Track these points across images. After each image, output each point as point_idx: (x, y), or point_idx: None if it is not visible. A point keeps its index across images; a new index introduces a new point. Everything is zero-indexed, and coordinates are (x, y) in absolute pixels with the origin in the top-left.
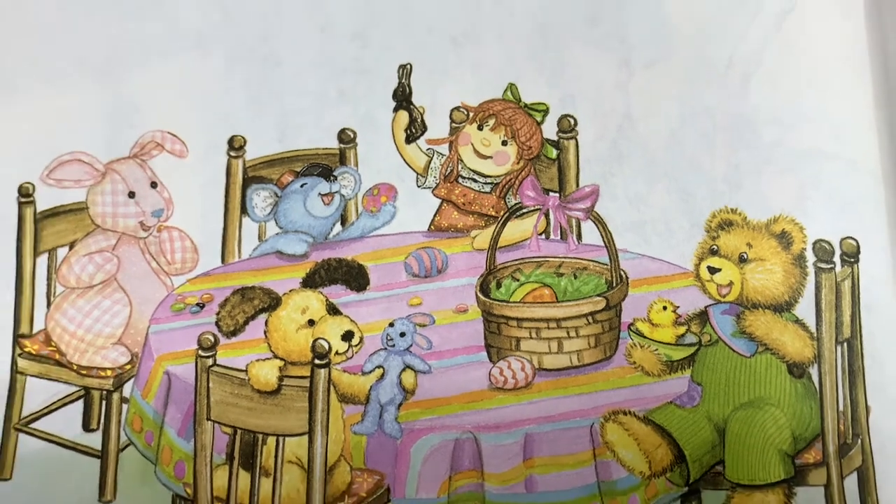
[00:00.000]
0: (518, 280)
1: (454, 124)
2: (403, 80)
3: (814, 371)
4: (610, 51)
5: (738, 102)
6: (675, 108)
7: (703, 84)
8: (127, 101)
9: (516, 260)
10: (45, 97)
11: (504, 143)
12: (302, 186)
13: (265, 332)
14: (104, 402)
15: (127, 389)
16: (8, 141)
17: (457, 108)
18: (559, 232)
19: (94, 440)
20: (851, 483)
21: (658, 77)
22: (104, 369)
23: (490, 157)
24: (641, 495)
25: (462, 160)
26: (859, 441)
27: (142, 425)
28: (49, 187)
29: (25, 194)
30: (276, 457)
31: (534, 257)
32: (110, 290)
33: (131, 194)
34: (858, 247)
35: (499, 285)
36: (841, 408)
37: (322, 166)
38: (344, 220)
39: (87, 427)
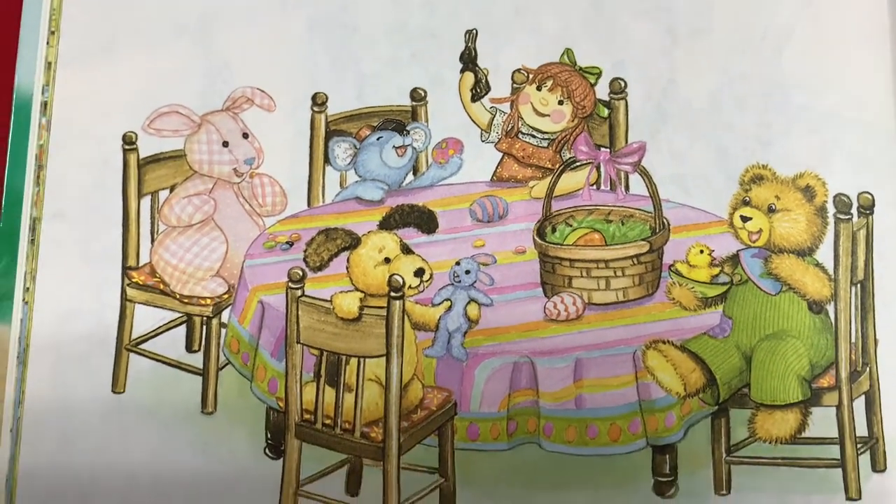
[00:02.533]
0: (571, 226)
1: (515, 85)
2: (470, 45)
3: (830, 308)
4: (657, 21)
5: (770, 69)
6: (714, 73)
7: (741, 53)
8: (219, 59)
9: (570, 208)
10: (145, 58)
11: (560, 102)
12: (378, 139)
13: (347, 268)
14: (204, 327)
15: (225, 316)
16: (112, 96)
17: (518, 71)
18: (609, 183)
19: (196, 360)
20: (860, 404)
21: (700, 45)
22: (204, 298)
23: (547, 115)
24: (677, 412)
25: (522, 117)
26: (868, 369)
27: (239, 347)
28: (150, 136)
29: (129, 142)
30: (357, 375)
31: (586, 205)
32: (208, 228)
33: (225, 143)
34: (873, 200)
35: (554, 230)
36: (853, 340)
37: (396, 122)
38: (415, 171)
39: (189, 348)
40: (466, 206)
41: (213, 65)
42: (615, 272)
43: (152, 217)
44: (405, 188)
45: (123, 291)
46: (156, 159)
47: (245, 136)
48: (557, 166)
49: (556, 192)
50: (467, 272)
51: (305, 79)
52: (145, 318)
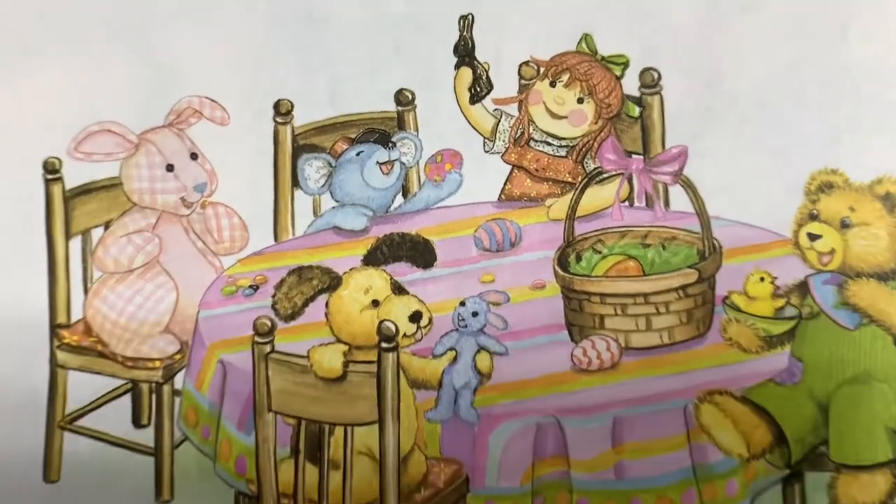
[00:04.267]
0: (600, 252)
1: (523, 81)
2: (465, 34)
3: None
4: None
5: (833, 55)
6: (766, 60)
7: (796, 36)
8: (160, 65)
9: (597, 230)
10: (69, 63)
11: (580, 100)
12: (358, 155)
13: (326, 315)
14: (154, 396)
15: (179, 381)
16: (30, 113)
17: (526, 63)
18: (644, 198)
19: (147, 436)
20: None
21: (749, 27)
22: (152, 360)
23: (565, 118)
24: (740, 479)
25: (533, 121)
26: None
27: (197, 419)
28: (78, 162)
29: (52, 170)
30: (345, 448)
31: (617, 227)
32: (153, 273)
33: (170, 167)
34: None
35: (579, 258)
36: None
37: (379, 132)
38: (405, 192)
39: (137, 423)
40: (470, 232)
41: (152, 71)
42: (657, 308)
43: (84, 262)
44: (394, 213)
45: (53, 356)
46: (86, 190)
47: (194, 156)
48: (580, 180)
49: (579, 212)
50: (475, 314)
51: (266, 84)
52: (81, 387)
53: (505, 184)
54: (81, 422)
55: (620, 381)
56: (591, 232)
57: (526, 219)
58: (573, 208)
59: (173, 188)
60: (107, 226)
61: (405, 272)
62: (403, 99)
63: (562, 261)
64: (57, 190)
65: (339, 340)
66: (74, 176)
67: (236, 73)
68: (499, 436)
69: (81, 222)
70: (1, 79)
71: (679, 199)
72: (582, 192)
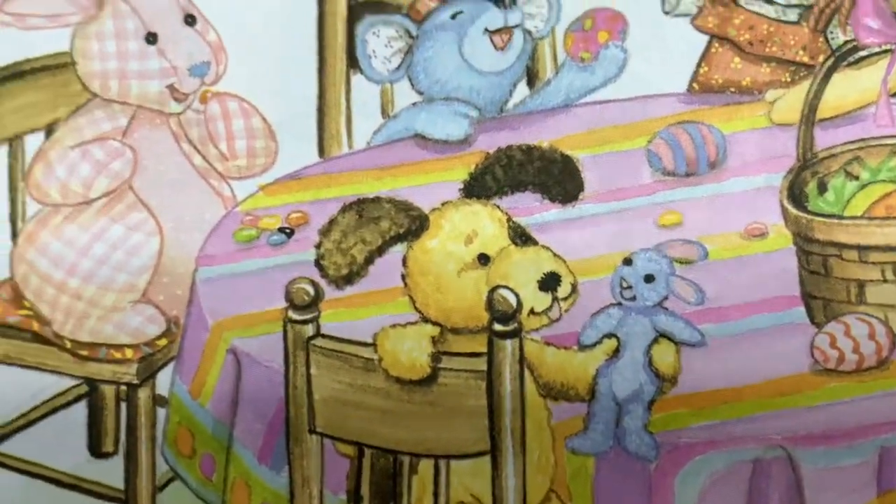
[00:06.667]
0: (857, 178)
1: None
2: None
3: None
4: None
5: None
6: None
7: None
8: None
9: (853, 142)
10: None
11: None
12: (454, 17)
13: (404, 278)
14: (124, 406)
15: (163, 384)
16: None
17: None
18: None
19: (112, 472)
20: None
21: None
22: (120, 347)
23: None
24: None
25: None
26: None
27: (193, 445)
28: (3, 28)
29: None
30: (436, 495)
31: (885, 137)
32: (122, 206)
33: (151, 37)
34: None
35: (823, 188)
36: None
37: None
38: (532, 77)
39: (96, 450)
40: (641, 144)
41: None
42: None
43: (12, 188)
44: (513, 112)
45: None
46: (16, 74)
47: (189, 20)
48: (821, 60)
49: (823, 112)
50: (649, 279)
51: None
52: (5, 390)
53: (699, 65)
54: (5, 447)
55: (891, 390)
56: (841, 144)
57: (733, 123)
58: (812, 106)
59: (157, 70)
60: (49, 130)
61: (532, 209)
62: None
63: (794, 192)
64: None
65: (424, 319)
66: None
67: None
68: (691, 478)
69: (8, 124)
70: None
71: None
72: (826, 79)
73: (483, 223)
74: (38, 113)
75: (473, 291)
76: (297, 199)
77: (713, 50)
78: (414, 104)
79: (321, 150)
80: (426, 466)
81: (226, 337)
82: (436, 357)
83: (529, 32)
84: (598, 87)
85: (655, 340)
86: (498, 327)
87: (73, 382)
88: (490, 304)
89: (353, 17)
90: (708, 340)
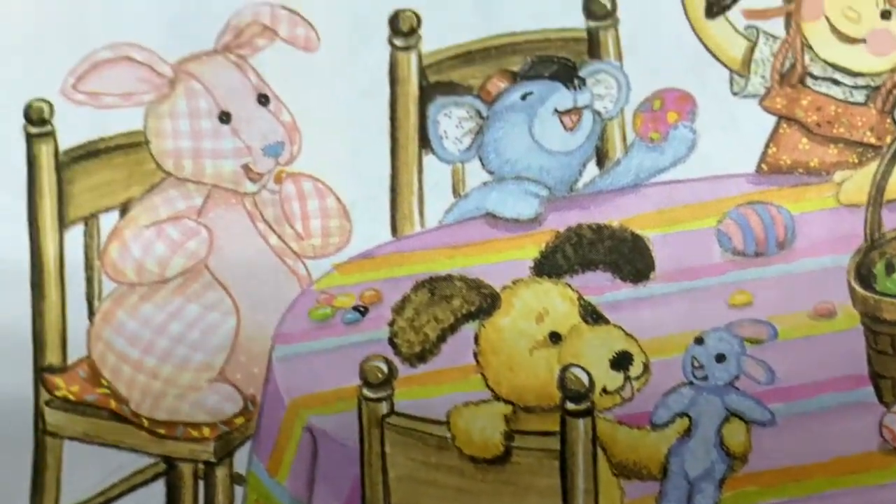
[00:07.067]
0: None
1: None
2: None
3: None
4: None
5: None
6: None
7: None
8: None
9: None
10: None
11: (886, 14)
12: (525, 99)
13: (476, 356)
14: (202, 484)
15: (241, 461)
16: (4, 28)
17: None
18: None
19: None
20: None
21: None
22: (198, 426)
23: (862, 41)
24: None
25: (811, 46)
26: None
27: None
28: (79, 107)
29: (39, 120)
30: None
31: None
32: (198, 286)
33: (224, 117)
34: None
35: (891, 268)
36: None
37: (558, 62)
38: (602, 157)
39: None
40: (711, 224)
41: None
42: None
43: (88, 266)
44: (582, 192)
45: (39, 416)
46: (91, 153)
47: (263, 100)
48: (889, 141)
49: (889, 194)
50: (720, 359)
51: None
52: (84, 469)
53: (767, 146)
54: None
55: None
56: None
57: (802, 203)
58: (879, 187)
59: (231, 150)
60: (124, 209)
61: (603, 288)
62: (598, 8)
63: (862, 272)
64: (46, 151)
65: (496, 397)
66: (73, 129)
67: None
68: None
69: (84, 203)
70: None
71: None
72: (893, 160)
73: (554, 301)
74: (113, 192)
75: (545, 370)
76: (371, 277)
77: (781, 131)
78: (485, 184)
79: (394, 230)
80: None
81: (302, 415)
82: (509, 436)
83: (599, 113)
84: (668, 167)
85: (726, 419)
86: (570, 406)
87: (151, 460)
88: (562, 382)
89: (424, 99)
90: (778, 419)
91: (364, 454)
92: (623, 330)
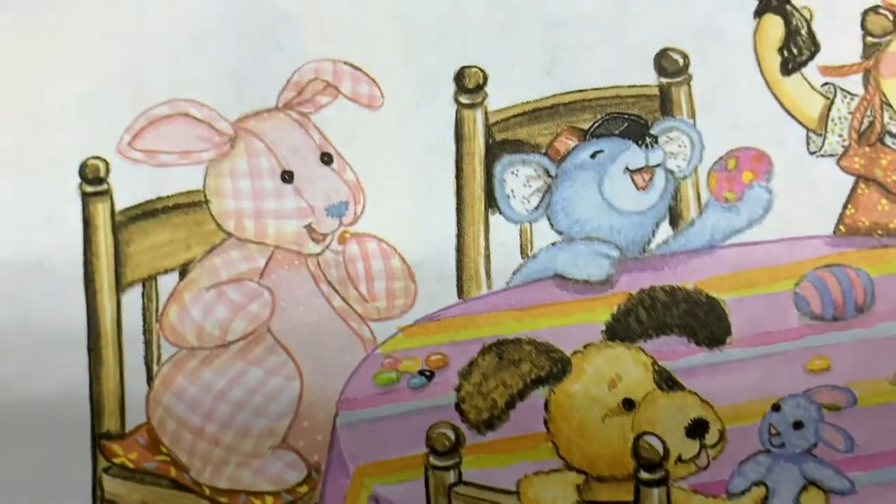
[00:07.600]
0: None
1: (871, 38)
2: None
3: None
4: None
5: None
6: None
7: None
8: (272, 11)
9: None
10: (117, 5)
11: None
12: (594, 157)
13: (546, 423)
14: None
15: None
16: (56, 85)
17: (874, 10)
18: None
19: None
20: None
21: None
22: (260, 494)
23: None
24: None
25: (890, 104)
26: None
27: None
28: (136, 165)
29: (95, 179)
30: None
31: None
32: (261, 349)
33: (287, 176)
34: None
35: None
36: None
37: (629, 119)
38: (675, 217)
39: None
40: (788, 287)
41: (253, 17)
42: None
43: (147, 329)
44: (655, 253)
45: (97, 485)
46: (149, 212)
47: (326, 159)
48: None
49: None
50: (798, 426)
51: (443, 43)
52: None
53: (845, 207)
54: None
55: None
56: None
57: (880, 266)
58: None
59: (294, 210)
60: (184, 270)
61: (678, 353)
62: (670, 65)
63: None
64: (102, 210)
65: (568, 466)
66: (130, 188)
67: (390, 21)
68: None
69: (142, 264)
70: (10, 24)
71: None
72: None
73: (627, 367)
74: (172, 252)
75: (618, 438)
76: (437, 340)
77: (860, 191)
78: (553, 244)
79: (460, 291)
80: None
81: (367, 483)
82: None
83: (672, 172)
84: (743, 228)
85: (804, 488)
86: (644, 475)
87: None
88: (636, 451)
89: (491, 157)
90: (857, 488)
91: None
92: (698, 396)
